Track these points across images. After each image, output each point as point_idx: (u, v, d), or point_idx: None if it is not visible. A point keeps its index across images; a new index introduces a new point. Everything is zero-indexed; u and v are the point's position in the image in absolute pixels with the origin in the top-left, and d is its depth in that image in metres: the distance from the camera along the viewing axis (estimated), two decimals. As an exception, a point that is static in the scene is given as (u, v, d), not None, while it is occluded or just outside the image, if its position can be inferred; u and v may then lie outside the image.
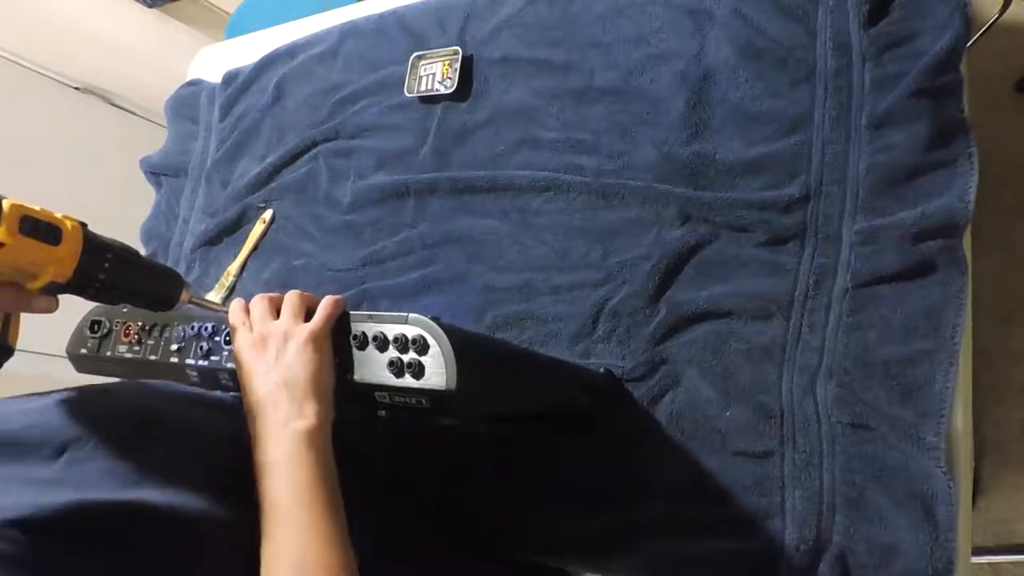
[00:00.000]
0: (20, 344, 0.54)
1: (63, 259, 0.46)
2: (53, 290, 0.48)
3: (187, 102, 1.20)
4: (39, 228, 0.45)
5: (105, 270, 0.49)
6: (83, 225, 0.48)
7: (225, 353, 0.61)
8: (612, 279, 0.73)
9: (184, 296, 0.54)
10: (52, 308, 0.49)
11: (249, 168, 1.06)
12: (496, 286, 0.79)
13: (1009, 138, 1.32)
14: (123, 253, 0.50)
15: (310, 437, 0.49)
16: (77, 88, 2.01)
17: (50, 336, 0.77)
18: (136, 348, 0.66)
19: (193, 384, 0.64)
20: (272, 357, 0.53)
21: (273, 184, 1.02)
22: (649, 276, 0.71)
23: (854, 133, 0.67)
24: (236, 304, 0.58)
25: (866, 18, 0.69)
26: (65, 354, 0.71)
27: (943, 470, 0.56)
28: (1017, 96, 1.34)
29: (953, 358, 0.58)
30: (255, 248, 1.00)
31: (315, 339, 0.54)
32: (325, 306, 0.56)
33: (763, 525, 0.61)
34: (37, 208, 0.46)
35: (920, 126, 0.64)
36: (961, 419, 0.59)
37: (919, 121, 0.64)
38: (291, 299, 0.57)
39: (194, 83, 1.22)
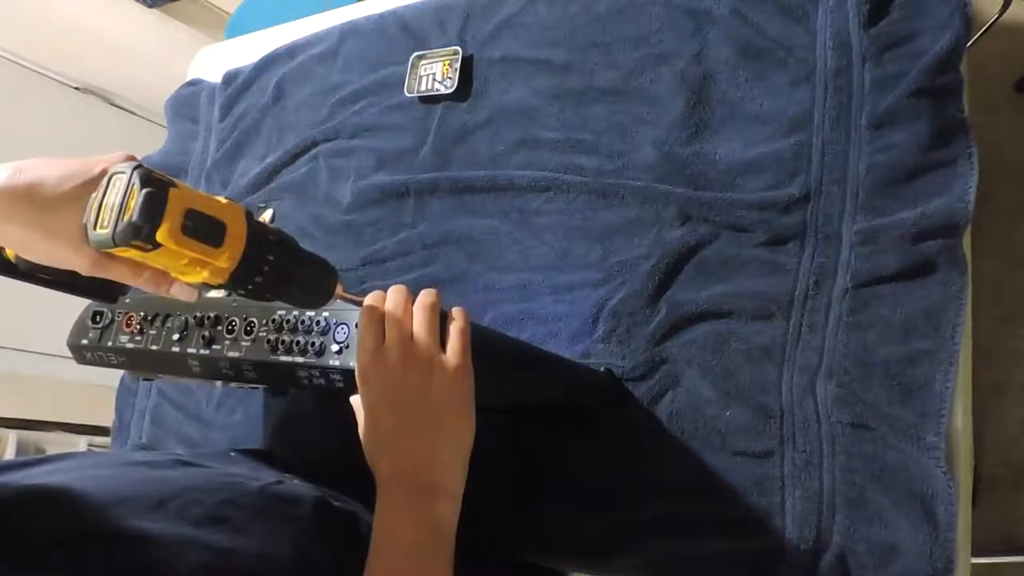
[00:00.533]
0: (20, 344, 0.54)
1: (220, 269, 0.42)
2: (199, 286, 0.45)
3: (187, 102, 1.20)
4: (202, 226, 0.40)
5: (263, 273, 0.44)
6: (248, 216, 0.43)
7: (227, 342, 0.61)
8: (612, 279, 0.73)
9: (339, 289, 0.50)
10: (192, 297, 0.48)
11: (249, 168, 1.06)
12: (496, 286, 0.79)
13: (1009, 138, 1.32)
14: (282, 257, 0.45)
15: (451, 523, 0.49)
16: (77, 88, 2.02)
17: (51, 336, 0.77)
18: (138, 338, 0.66)
19: (195, 374, 0.64)
20: (413, 395, 0.49)
21: (273, 184, 1.02)
22: (649, 276, 0.71)
23: (854, 133, 0.67)
24: (373, 302, 0.52)
25: (866, 18, 0.69)
26: (63, 355, 0.71)
27: (943, 470, 0.56)
28: (1017, 96, 1.34)
29: (953, 358, 0.58)
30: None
31: (464, 390, 0.50)
32: (462, 334, 0.52)
33: (763, 525, 0.61)
34: (203, 196, 0.41)
35: (920, 126, 0.64)
36: (961, 419, 0.59)
37: (919, 121, 0.64)
38: (424, 312, 0.52)
39: (194, 83, 1.22)
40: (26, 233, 0.43)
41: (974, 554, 0.60)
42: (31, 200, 0.42)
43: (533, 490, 0.71)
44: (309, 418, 0.85)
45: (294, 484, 0.61)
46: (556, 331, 0.74)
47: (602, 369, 0.70)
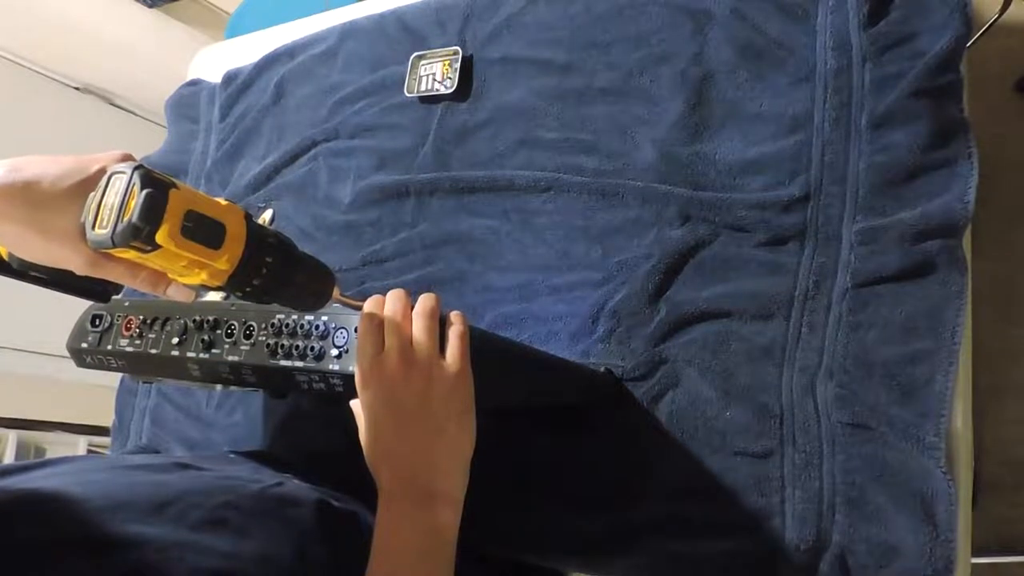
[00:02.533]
0: (20, 344, 0.54)
1: (219, 271, 0.42)
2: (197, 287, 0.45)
3: (187, 102, 1.20)
4: (201, 228, 0.40)
5: (262, 276, 0.44)
6: (247, 218, 0.43)
7: (226, 346, 0.60)
8: (612, 279, 0.73)
9: (336, 292, 0.50)
10: (189, 298, 0.48)
11: (249, 168, 1.06)
12: (496, 286, 0.79)
13: (1009, 138, 1.32)
14: (281, 260, 0.45)
15: (452, 530, 0.49)
16: (77, 88, 2.02)
17: (51, 336, 0.77)
18: (137, 341, 0.66)
19: (194, 377, 0.64)
20: (414, 401, 0.49)
21: (273, 184, 1.02)
22: (649, 276, 0.71)
23: (854, 133, 0.67)
24: (373, 308, 0.52)
25: (866, 18, 0.69)
26: (63, 355, 0.71)
27: (943, 470, 0.56)
28: (1017, 96, 1.34)
29: (953, 358, 0.58)
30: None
31: (464, 395, 0.50)
32: (461, 338, 0.51)
33: (763, 525, 0.61)
34: (203, 197, 0.41)
35: (920, 126, 0.64)
36: (961, 419, 0.59)
37: (919, 121, 0.64)
38: (423, 318, 0.51)
39: (194, 83, 1.22)
40: (22, 231, 0.43)
41: (974, 554, 0.60)
42: (27, 198, 0.42)
43: (533, 491, 0.71)
44: (309, 419, 0.85)
45: (294, 485, 0.61)
46: (556, 331, 0.74)
47: (602, 369, 0.70)
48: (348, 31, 1.03)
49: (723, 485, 0.63)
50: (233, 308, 0.63)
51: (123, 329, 0.67)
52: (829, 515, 0.59)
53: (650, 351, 0.69)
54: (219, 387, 0.67)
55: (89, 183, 0.43)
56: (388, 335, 0.51)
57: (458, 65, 0.88)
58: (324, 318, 0.58)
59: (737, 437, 0.64)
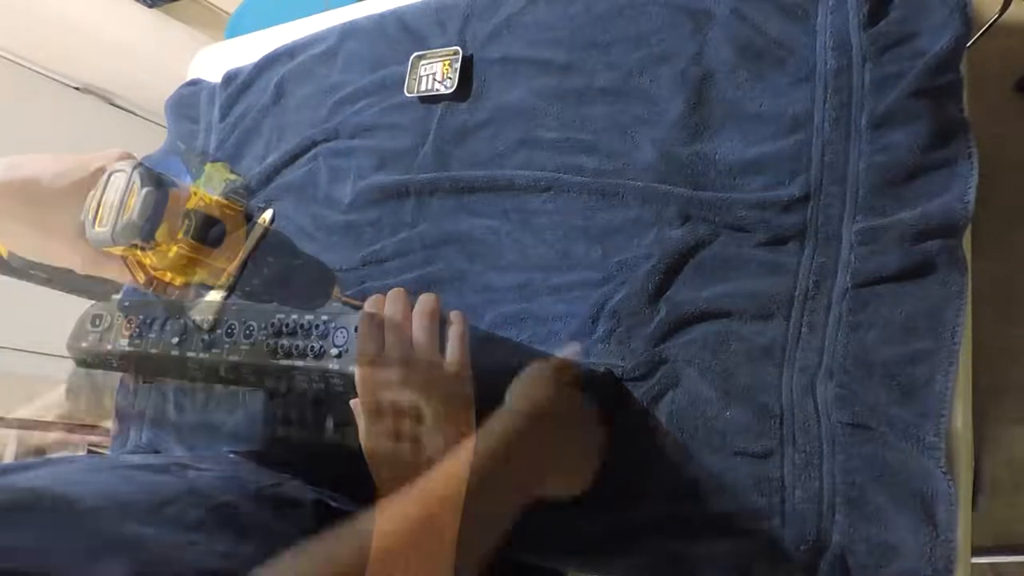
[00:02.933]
0: (19, 344, 0.54)
1: (219, 269, 0.43)
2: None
3: (187, 102, 1.20)
4: (202, 227, 0.40)
5: (261, 275, 0.45)
6: (247, 217, 0.44)
7: (226, 346, 0.60)
8: (612, 279, 0.73)
9: (336, 292, 0.50)
10: (189, 297, 0.49)
11: (249, 168, 1.06)
12: (496, 286, 0.79)
13: (1009, 138, 1.32)
14: (281, 259, 0.46)
15: (452, 532, 0.49)
16: (77, 88, 2.02)
17: (51, 337, 0.77)
18: (137, 341, 0.66)
19: (194, 377, 0.64)
20: (415, 401, 0.50)
21: (273, 184, 1.02)
22: (649, 276, 0.71)
23: (854, 133, 0.67)
24: (373, 308, 0.52)
25: (866, 18, 0.69)
26: (63, 355, 0.71)
27: (943, 470, 0.56)
28: (1017, 96, 1.34)
29: (953, 358, 0.58)
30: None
31: (464, 396, 0.51)
32: (461, 339, 0.52)
33: (763, 525, 0.61)
34: (204, 196, 0.41)
35: (920, 126, 0.64)
36: (961, 419, 0.59)
37: (919, 121, 0.64)
38: (423, 318, 0.51)
39: (194, 83, 1.22)
40: (21, 228, 0.43)
41: (974, 554, 0.60)
42: (27, 195, 0.42)
43: (533, 490, 0.71)
44: (309, 419, 0.85)
45: (293, 485, 0.62)
46: (556, 331, 0.74)
47: (602, 369, 0.70)
48: (348, 31, 1.03)
49: (723, 485, 0.63)
50: (233, 308, 0.63)
51: (123, 329, 0.67)
52: (829, 515, 0.59)
53: (650, 351, 0.69)
54: (219, 387, 0.67)
55: (88, 181, 0.43)
56: (388, 335, 0.51)
57: (458, 65, 0.88)
58: (324, 318, 0.58)
59: (737, 437, 0.64)
